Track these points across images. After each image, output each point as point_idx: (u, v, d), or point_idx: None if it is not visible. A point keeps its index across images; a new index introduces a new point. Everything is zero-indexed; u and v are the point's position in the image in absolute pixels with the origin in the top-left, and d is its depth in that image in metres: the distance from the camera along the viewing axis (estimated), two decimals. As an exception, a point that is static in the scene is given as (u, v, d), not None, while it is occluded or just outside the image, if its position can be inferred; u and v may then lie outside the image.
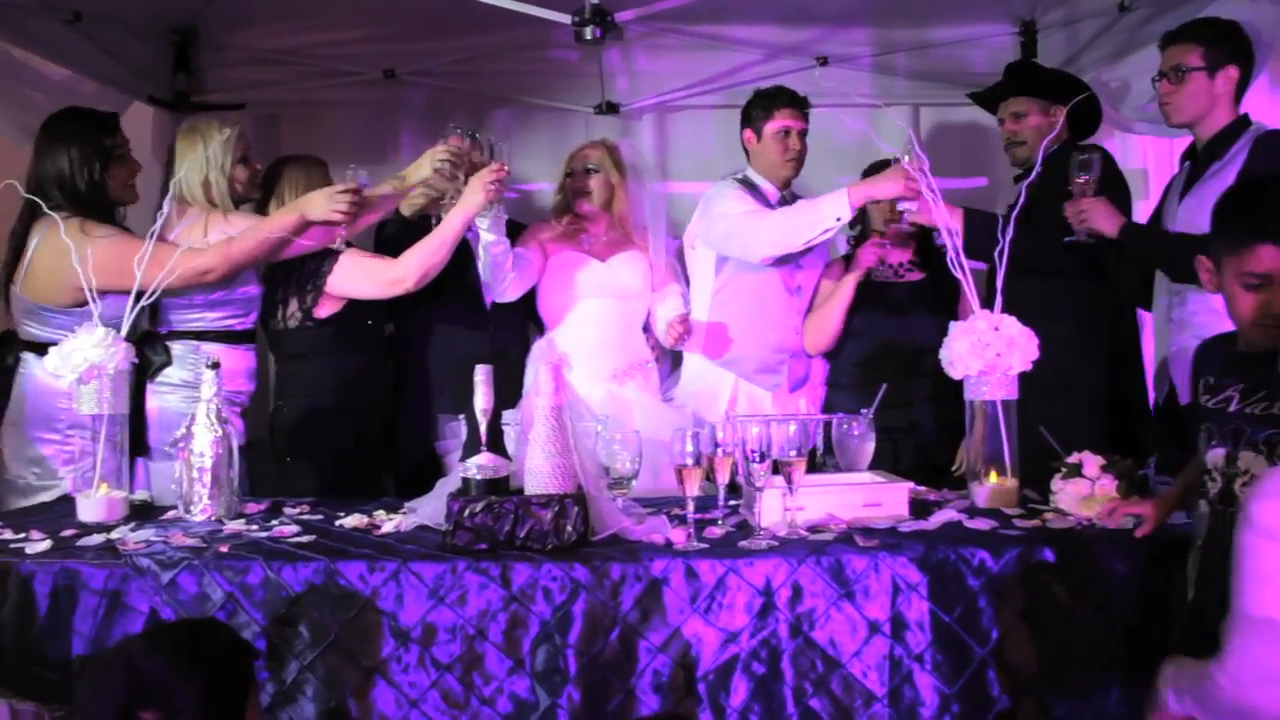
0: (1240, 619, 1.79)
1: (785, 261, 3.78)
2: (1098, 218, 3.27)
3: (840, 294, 3.77)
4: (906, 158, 3.28)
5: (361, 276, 3.48)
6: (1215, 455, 2.19)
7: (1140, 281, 3.53)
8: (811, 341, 3.88)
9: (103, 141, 3.28)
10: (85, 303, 2.92)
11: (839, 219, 3.49)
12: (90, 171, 3.24)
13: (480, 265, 3.58)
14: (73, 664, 2.33)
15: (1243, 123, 3.22)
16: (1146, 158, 4.44)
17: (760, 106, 3.87)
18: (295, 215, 3.34)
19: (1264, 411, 2.12)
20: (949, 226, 3.05)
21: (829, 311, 3.80)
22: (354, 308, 3.53)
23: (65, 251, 2.94)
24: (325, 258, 3.45)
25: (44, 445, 3.24)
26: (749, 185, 3.86)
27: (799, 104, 3.83)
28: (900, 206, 3.36)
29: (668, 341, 3.73)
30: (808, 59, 4.53)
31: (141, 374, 3.29)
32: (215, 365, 2.86)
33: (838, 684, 2.34)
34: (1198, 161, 3.28)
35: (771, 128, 3.82)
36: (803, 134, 3.83)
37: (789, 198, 3.88)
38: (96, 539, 2.57)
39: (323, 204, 3.32)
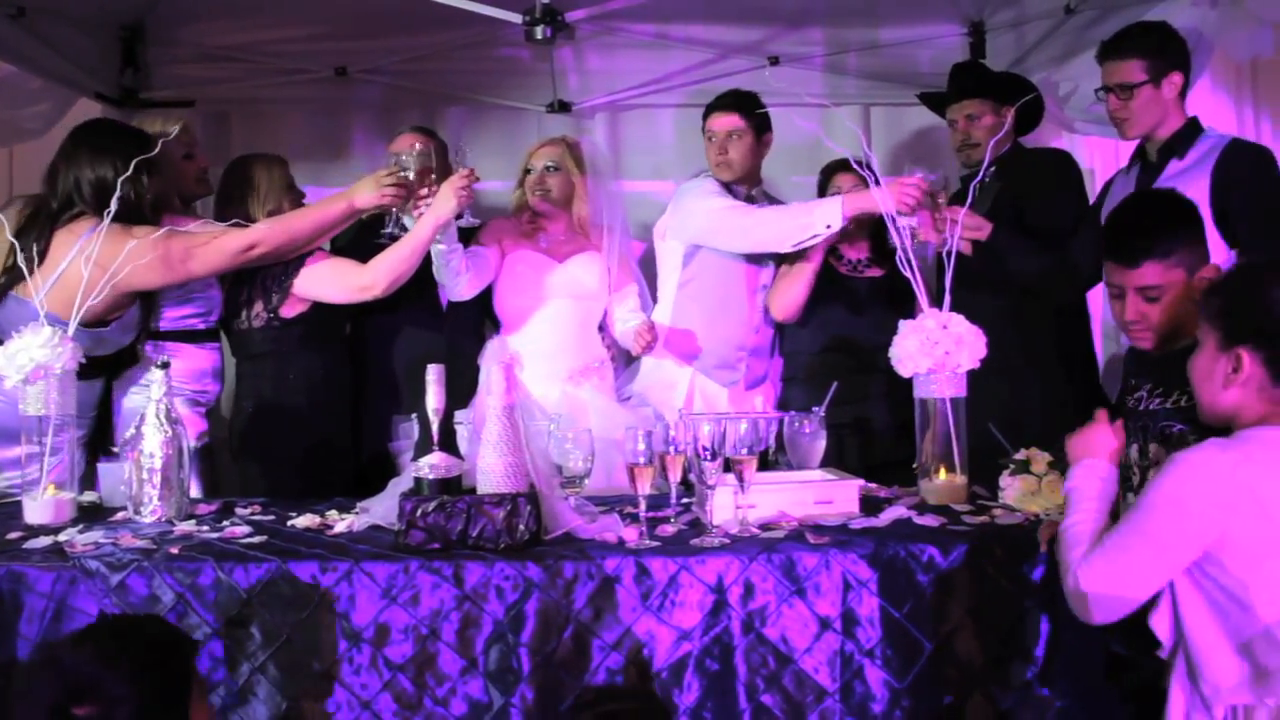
0: (1110, 540, 2.01)
1: (758, 259, 3.80)
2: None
3: (808, 262, 3.72)
4: (919, 172, 3.29)
5: (331, 280, 3.46)
6: (1131, 451, 2.40)
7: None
8: (779, 305, 3.83)
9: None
10: (115, 315, 2.90)
11: (829, 226, 3.50)
12: (136, 183, 3.11)
13: (434, 268, 3.56)
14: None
15: (1195, 124, 3.23)
16: (1093, 158, 4.49)
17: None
18: (344, 204, 3.35)
19: (1160, 405, 2.37)
20: (948, 247, 3.01)
21: (797, 276, 3.75)
22: (321, 307, 3.50)
23: (127, 254, 2.90)
24: (293, 259, 3.42)
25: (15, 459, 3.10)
26: (721, 181, 3.85)
27: (727, 107, 3.81)
28: (900, 224, 3.13)
29: (636, 349, 3.70)
30: (759, 58, 4.56)
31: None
32: (165, 365, 2.81)
33: (790, 680, 2.36)
34: (1150, 162, 3.28)
35: (706, 130, 3.86)
36: (734, 135, 3.80)
37: (759, 195, 3.90)
38: (43, 541, 2.53)
39: (371, 190, 3.33)
